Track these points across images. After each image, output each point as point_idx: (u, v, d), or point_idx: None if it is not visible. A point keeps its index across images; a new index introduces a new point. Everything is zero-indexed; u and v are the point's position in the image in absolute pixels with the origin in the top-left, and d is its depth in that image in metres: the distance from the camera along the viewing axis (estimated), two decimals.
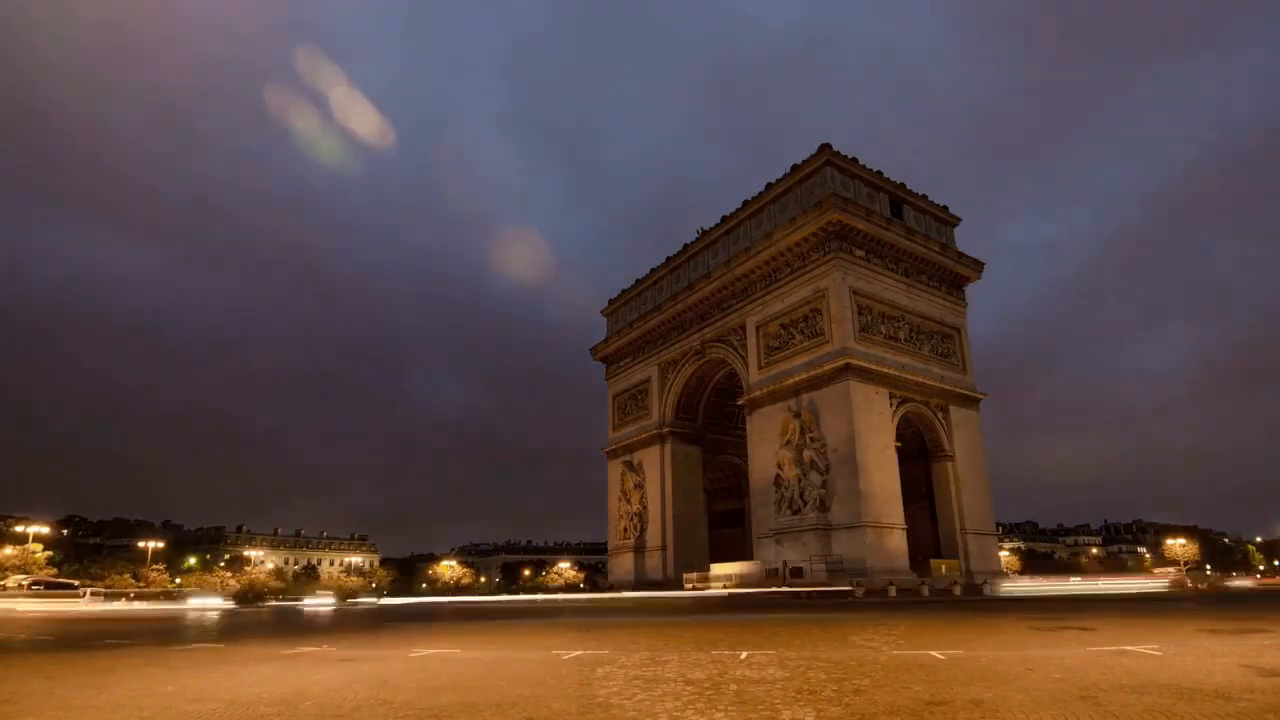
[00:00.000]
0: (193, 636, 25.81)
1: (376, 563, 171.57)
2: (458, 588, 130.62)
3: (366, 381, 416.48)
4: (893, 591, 49.33)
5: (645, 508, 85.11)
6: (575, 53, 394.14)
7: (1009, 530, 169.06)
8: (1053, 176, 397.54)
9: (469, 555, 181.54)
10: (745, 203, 75.49)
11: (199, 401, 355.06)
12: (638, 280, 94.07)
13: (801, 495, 61.45)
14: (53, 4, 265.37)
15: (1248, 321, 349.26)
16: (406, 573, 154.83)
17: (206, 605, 65.59)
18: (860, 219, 64.64)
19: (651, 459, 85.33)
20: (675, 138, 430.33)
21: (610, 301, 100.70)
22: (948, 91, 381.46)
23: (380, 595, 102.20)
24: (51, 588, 70.27)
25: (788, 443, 63.32)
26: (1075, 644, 14.66)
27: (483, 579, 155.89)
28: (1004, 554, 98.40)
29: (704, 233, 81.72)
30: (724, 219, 78.42)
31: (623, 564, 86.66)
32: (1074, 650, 13.40)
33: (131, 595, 76.47)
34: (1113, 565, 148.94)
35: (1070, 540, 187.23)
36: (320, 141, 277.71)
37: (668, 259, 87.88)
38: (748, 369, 71.36)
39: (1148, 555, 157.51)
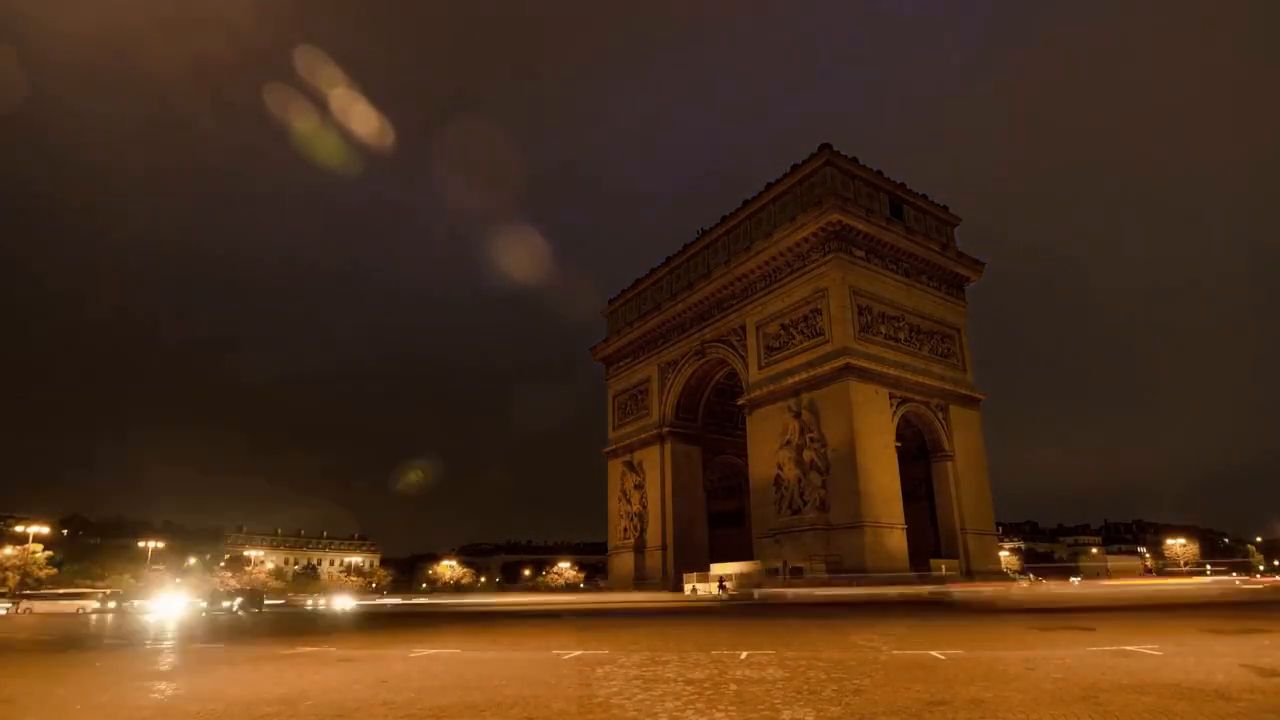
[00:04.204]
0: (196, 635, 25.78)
1: (377, 562, 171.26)
2: (457, 587, 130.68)
3: (358, 380, 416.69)
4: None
5: (645, 508, 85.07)
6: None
7: (1009, 530, 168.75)
8: None
9: (469, 555, 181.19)
10: (745, 202, 75.45)
11: (199, 400, 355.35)
12: (638, 280, 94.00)
13: (801, 495, 61.43)
14: (51, 3, 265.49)
15: None
16: (407, 573, 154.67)
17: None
18: (860, 219, 64.62)
19: (651, 459, 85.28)
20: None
21: (610, 301, 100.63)
22: None
23: (385, 595, 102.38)
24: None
25: (788, 443, 63.29)
26: (1075, 644, 14.65)
27: (483, 579, 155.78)
28: (1004, 554, 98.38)
29: (704, 232, 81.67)
30: (724, 219, 78.37)
31: (623, 564, 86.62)
32: (1074, 650, 13.39)
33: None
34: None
35: (1070, 540, 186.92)
36: (319, 140, 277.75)
37: (668, 258, 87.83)
38: (748, 369, 71.33)
39: (1148, 554, 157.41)
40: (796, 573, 56.97)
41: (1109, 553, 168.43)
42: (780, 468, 63.86)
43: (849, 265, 63.90)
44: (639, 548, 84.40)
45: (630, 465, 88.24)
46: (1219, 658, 11.84)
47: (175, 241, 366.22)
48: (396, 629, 28.03)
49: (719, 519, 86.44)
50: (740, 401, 72.05)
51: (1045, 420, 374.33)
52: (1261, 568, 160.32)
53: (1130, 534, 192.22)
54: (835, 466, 59.68)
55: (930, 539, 65.29)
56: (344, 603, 60.59)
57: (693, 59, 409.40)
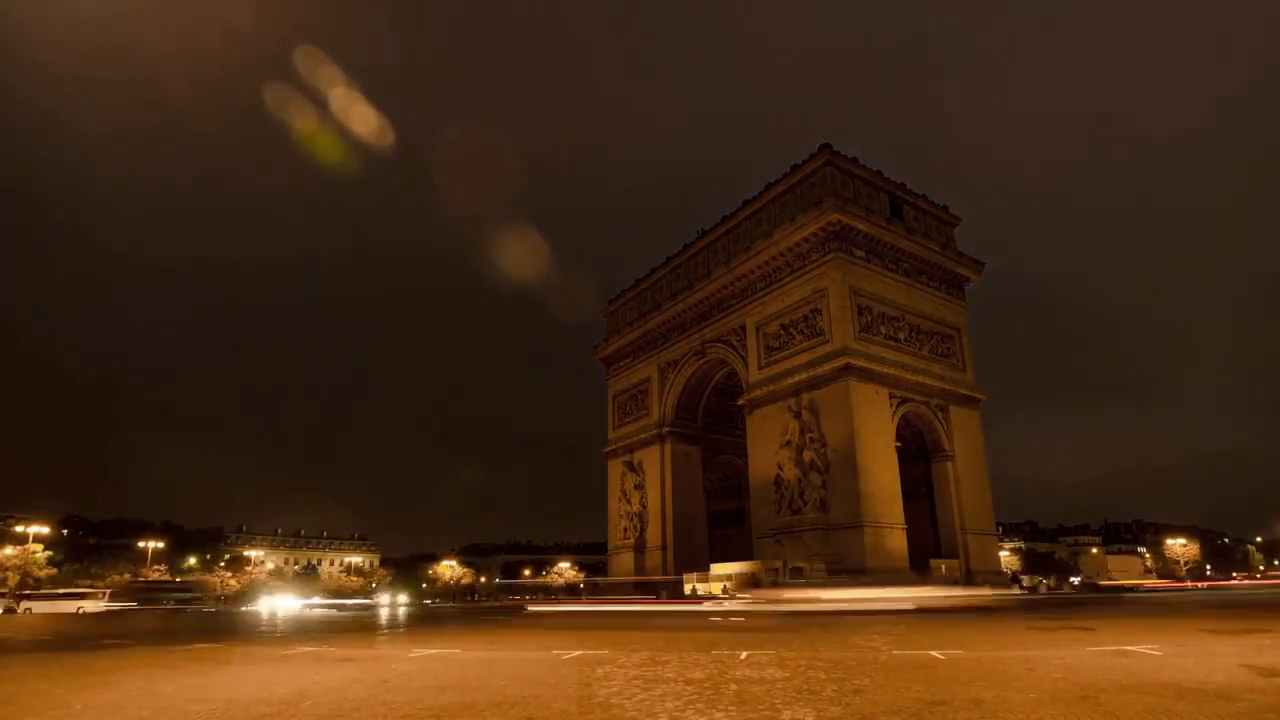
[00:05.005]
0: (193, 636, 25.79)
1: (376, 563, 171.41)
2: (458, 587, 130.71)
3: (358, 381, 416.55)
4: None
5: (645, 508, 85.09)
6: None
7: (1009, 530, 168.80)
8: None
9: (469, 555, 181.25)
10: (745, 202, 75.46)
11: (200, 399, 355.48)
12: (638, 280, 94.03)
13: (802, 495, 61.43)
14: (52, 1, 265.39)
15: None
16: (407, 573, 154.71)
17: None
18: (860, 219, 64.62)
19: (651, 459, 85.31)
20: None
21: (610, 301, 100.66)
22: None
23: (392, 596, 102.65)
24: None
25: (788, 443, 63.30)
26: (1075, 644, 14.65)
27: (483, 579, 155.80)
28: (1004, 554, 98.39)
29: (704, 232, 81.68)
30: (724, 218, 78.37)
31: (623, 564, 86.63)
32: (1074, 650, 13.40)
33: None
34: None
35: (1070, 540, 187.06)
36: (319, 140, 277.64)
37: (668, 258, 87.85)
38: (748, 369, 71.34)
39: (1147, 554, 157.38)
40: (797, 573, 57.02)
41: (1109, 553, 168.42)
42: (780, 468, 63.86)
43: (849, 265, 63.90)
44: (639, 548, 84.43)
45: (630, 465, 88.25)
46: (1219, 658, 11.84)
47: (174, 242, 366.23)
48: (396, 629, 28.03)
49: (719, 519, 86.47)
50: (740, 401, 72.05)
51: (1045, 420, 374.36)
52: (1261, 567, 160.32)
53: (1130, 534, 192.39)
54: (835, 466, 59.69)
55: (930, 539, 65.31)
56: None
57: (698, 58, 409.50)
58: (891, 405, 62.66)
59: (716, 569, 64.77)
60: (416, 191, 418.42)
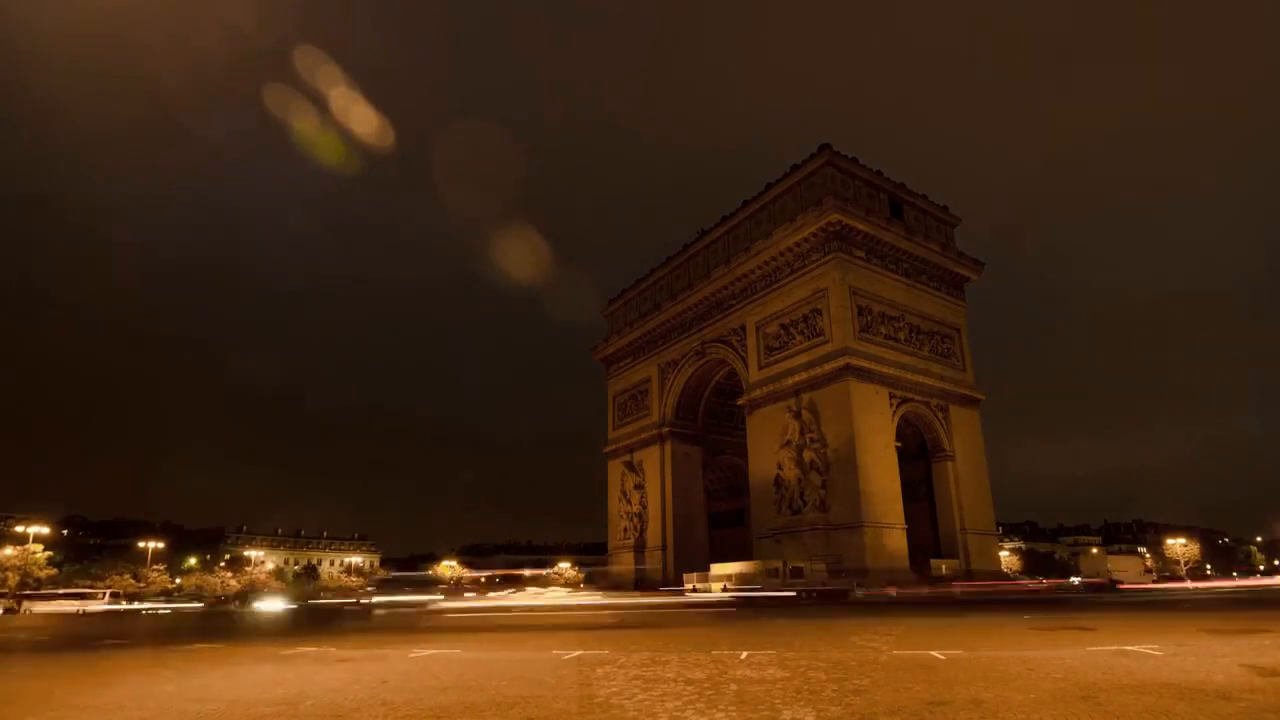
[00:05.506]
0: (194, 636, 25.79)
1: (377, 563, 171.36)
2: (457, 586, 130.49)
3: (358, 382, 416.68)
4: None
5: (645, 508, 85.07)
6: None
7: (1009, 530, 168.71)
8: None
9: (469, 555, 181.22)
10: (745, 203, 75.45)
11: (199, 401, 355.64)
12: (637, 280, 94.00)
13: (801, 495, 61.43)
14: None
15: None
16: (407, 573, 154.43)
17: None
18: (860, 219, 64.62)
19: (651, 459, 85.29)
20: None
21: (610, 301, 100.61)
22: None
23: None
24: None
25: (788, 443, 63.29)
26: (1075, 644, 14.65)
27: (482, 579, 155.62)
28: (1004, 554, 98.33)
29: (704, 233, 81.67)
30: (724, 219, 78.36)
31: (623, 564, 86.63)
32: (1074, 650, 13.40)
33: None
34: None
35: (1070, 540, 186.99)
36: (319, 141, 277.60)
37: (668, 259, 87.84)
38: (748, 369, 71.33)
39: (1148, 554, 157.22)
40: (797, 573, 56.94)
41: (1110, 553, 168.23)
42: (780, 468, 63.85)
43: (849, 265, 63.89)
44: (639, 548, 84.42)
45: (630, 465, 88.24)
46: (1219, 658, 11.84)
47: (174, 242, 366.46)
48: (396, 629, 28.04)
49: (719, 519, 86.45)
50: (740, 401, 72.03)
51: (1045, 420, 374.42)
52: (1262, 567, 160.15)
53: (1130, 534, 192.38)
54: (835, 466, 59.68)
55: (930, 539, 65.29)
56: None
57: (698, 58, 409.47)
58: (891, 405, 62.65)
59: (716, 569, 64.69)
60: (415, 190, 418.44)
